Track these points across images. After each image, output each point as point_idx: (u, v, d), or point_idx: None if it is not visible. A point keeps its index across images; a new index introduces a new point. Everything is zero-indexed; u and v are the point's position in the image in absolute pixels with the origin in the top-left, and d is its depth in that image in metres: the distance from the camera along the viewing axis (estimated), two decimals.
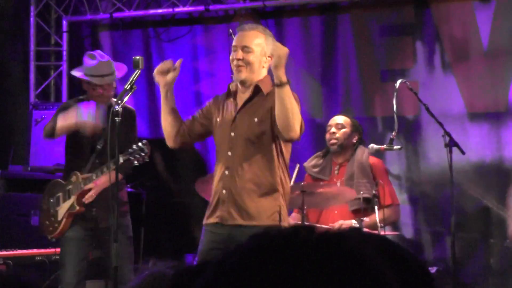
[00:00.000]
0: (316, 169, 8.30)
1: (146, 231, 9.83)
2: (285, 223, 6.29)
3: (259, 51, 6.26)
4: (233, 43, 6.33)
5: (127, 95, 6.80)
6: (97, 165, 7.50)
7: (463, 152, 7.72)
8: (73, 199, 7.56)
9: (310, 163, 8.40)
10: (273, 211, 6.25)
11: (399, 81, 7.70)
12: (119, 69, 7.83)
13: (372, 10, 9.99)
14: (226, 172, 6.33)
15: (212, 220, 6.38)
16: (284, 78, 6.00)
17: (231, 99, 6.44)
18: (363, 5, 9.89)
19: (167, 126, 6.66)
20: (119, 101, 6.74)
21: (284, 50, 6.00)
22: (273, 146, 6.27)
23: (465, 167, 8.79)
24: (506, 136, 9.06)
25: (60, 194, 7.67)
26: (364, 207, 7.82)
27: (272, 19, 10.49)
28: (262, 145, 6.26)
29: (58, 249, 7.90)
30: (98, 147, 7.59)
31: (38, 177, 9.97)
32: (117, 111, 6.66)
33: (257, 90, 6.33)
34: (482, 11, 9.45)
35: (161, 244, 9.22)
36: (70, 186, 7.60)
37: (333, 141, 8.22)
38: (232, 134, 6.35)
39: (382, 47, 9.95)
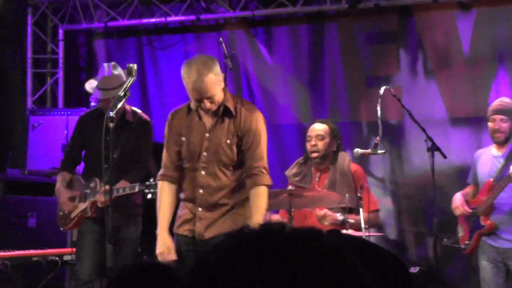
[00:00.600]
0: (297, 178, 8.26)
1: (142, 233, 9.82)
2: None
3: (217, 88, 6.23)
4: (192, 97, 6.29)
5: (121, 102, 6.80)
6: (114, 175, 7.55)
7: (444, 156, 7.74)
8: (88, 203, 7.76)
9: (291, 171, 8.36)
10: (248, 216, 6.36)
11: (383, 88, 7.71)
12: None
13: (357, 19, 10.00)
14: (201, 191, 6.38)
15: (185, 232, 6.47)
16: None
17: (197, 119, 6.45)
18: (349, 14, 9.90)
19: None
20: (114, 108, 6.74)
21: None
22: (241, 163, 6.36)
23: (447, 171, 8.81)
24: (486, 140, 9.03)
25: (77, 193, 7.87)
26: (348, 220, 7.81)
27: (261, 28, 10.49)
28: (233, 164, 6.35)
29: (53, 250, 7.96)
30: (114, 155, 7.60)
31: (35, 180, 9.97)
32: (112, 116, 6.65)
33: (226, 110, 6.35)
34: (463, 20, 9.46)
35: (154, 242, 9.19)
36: (87, 190, 7.80)
37: (315, 154, 8.14)
38: (205, 153, 6.38)
39: (367, 54, 9.96)
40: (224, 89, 6.40)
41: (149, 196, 7.31)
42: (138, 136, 7.92)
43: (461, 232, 7.80)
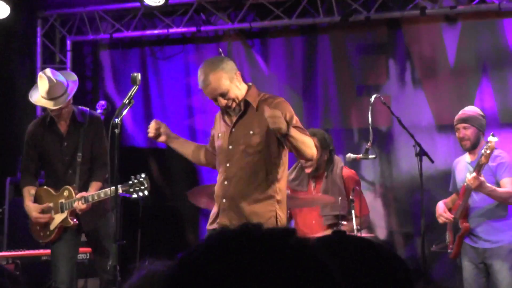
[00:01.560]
0: (296, 182, 8.24)
1: (142, 233, 9.77)
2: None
3: (229, 84, 6.14)
4: (209, 97, 6.23)
5: (125, 109, 6.75)
6: (80, 178, 7.49)
7: (432, 161, 7.71)
8: (66, 213, 7.49)
9: (289, 177, 8.31)
10: (269, 216, 6.17)
11: (373, 96, 7.68)
12: (72, 85, 7.51)
13: (349, 31, 9.99)
14: (225, 182, 6.29)
15: (214, 226, 6.35)
16: (284, 131, 5.94)
17: (225, 115, 6.38)
18: (341, 26, 9.89)
19: (193, 161, 6.83)
20: (118, 114, 6.71)
21: (279, 125, 5.91)
22: (269, 156, 6.22)
23: (434, 174, 8.81)
24: None
25: (51, 204, 7.59)
26: (337, 222, 7.79)
27: (257, 39, 10.48)
28: (257, 156, 6.20)
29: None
30: (78, 159, 7.53)
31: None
32: (117, 123, 6.62)
33: (247, 104, 6.28)
34: (449, 32, 9.47)
35: (156, 245, 9.18)
36: (62, 200, 7.53)
37: (308, 169, 8.11)
38: (230, 147, 6.30)
39: (358, 65, 9.96)
40: (248, 85, 6.33)
41: (135, 195, 7.19)
42: (94, 134, 7.66)
43: (448, 237, 7.82)
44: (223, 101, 6.17)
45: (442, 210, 7.72)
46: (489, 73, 9.26)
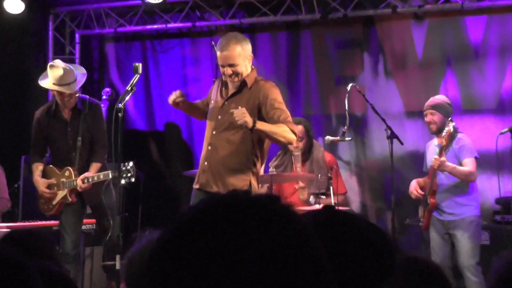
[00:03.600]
0: (280, 169, 8.25)
1: (143, 207, 9.78)
2: None
3: (242, 60, 6.14)
4: (219, 62, 6.18)
5: (128, 95, 6.73)
6: (80, 160, 7.48)
7: (401, 143, 7.71)
8: (66, 191, 7.52)
9: (273, 163, 8.31)
10: (243, 184, 6.16)
11: (350, 85, 7.69)
12: (80, 76, 7.50)
13: (328, 27, 9.96)
14: (209, 148, 6.29)
15: (196, 186, 6.36)
16: (250, 125, 5.93)
17: (223, 88, 6.36)
18: (321, 23, 9.86)
19: (195, 117, 6.90)
20: (122, 100, 6.67)
21: (243, 120, 5.89)
22: (249, 140, 6.20)
23: (403, 155, 8.80)
24: None
25: (54, 182, 7.61)
26: (319, 198, 7.84)
27: (247, 34, 10.40)
28: (241, 130, 6.17)
29: None
30: (78, 143, 7.51)
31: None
32: (120, 108, 6.59)
33: (243, 83, 6.24)
34: (417, 29, 9.45)
35: (155, 217, 9.14)
36: (63, 179, 7.54)
37: (297, 153, 8.13)
38: (219, 117, 6.29)
39: (336, 57, 9.94)
40: (252, 68, 6.30)
41: (123, 181, 6.89)
42: (92, 120, 7.59)
43: (420, 212, 7.84)
44: (229, 71, 6.15)
45: (413, 187, 7.72)
46: (453, 65, 9.24)
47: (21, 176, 9.82)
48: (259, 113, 6.16)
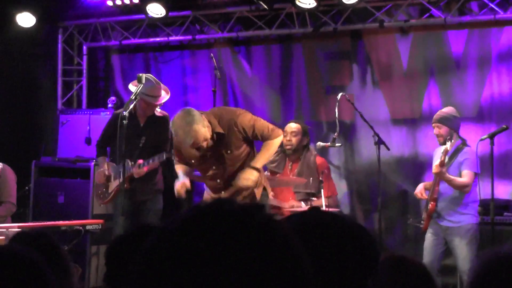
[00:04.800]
0: (273, 164, 8.25)
1: None
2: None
3: (202, 138, 6.05)
4: (190, 147, 6.17)
5: (132, 103, 6.73)
6: (141, 156, 7.66)
7: (388, 149, 7.70)
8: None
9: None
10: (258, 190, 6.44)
11: (340, 94, 7.69)
12: (166, 91, 7.88)
13: (318, 40, 9.95)
14: (218, 181, 6.38)
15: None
16: (257, 180, 6.19)
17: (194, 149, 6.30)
18: (312, 36, 9.85)
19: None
20: (126, 108, 6.67)
21: (249, 186, 6.06)
22: (246, 155, 6.24)
23: (389, 160, 8.78)
24: (420, 137, 9.08)
25: (112, 174, 7.87)
26: (308, 199, 7.87)
27: (243, 46, 10.44)
28: (239, 162, 6.25)
29: (77, 221, 7.93)
30: (142, 142, 7.63)
31: (63, 166, 9.91)
32: (124, 115, 6.58)
33: (218, 134, 6.20)
34: (402, 42, 9.45)
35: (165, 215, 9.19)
36: (121, 170, 7.55)
37: (289, 146, 8.16)
38: (214, 167, 6.30)
39: (326, 68, 9.93)
40: (206, 116, 6.18)
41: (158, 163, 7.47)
42: (159, 128, 7.86)
43: (423, 213, 7.76)
44: (204, 145, 6.09)
45: (419, 190, 7.60)
46: (436, 76, 9.24)
47: (32, 179, 9.84)
48: (245, 138, 6.23)
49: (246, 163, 6.31)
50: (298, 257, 1.32)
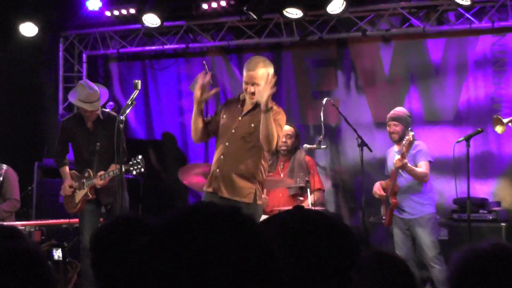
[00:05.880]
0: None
1: (142, 206, 9.81)
2: (259, 202, 6.24)
3: (263, 81, 6.04)
4: (245, 79, 6.11)
5: (129, 108, 6.72)
6: (100, 163, 7.53)
7: (370, 150, 7.73)
8: (87, 189, 7.60)
9: None
10: (249, 191, 6.16)
11: (325, 99, 7.71)
12: (103, 94, 7.72)
13: (306, 48, 9.97)
14: (222, 157, 6.25)
15: (209, 189, 6.29)
16: (269, 106, 5.90)
17: (239, 106, 6.29)
18: (300, 44, 9.86)
19: (197, 129, 6.35)
20: (123, 113, 6.66)
21: (264, 98, 5.86)
22: (259, 147, 6.17)
23: (372, 161, 8.79)
24: None
25: (76, 184, 7.69)
26: (300, 193, 7.91)
27: (235, 54, 10.44)
28: (252, 144, 6.16)
29: (77, 220, 7.94)
30: (97, 148, 7.56)
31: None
32: (122, 120, 6.58)
33: (257, 104, 6.19)
34: (384, 50, 9.48)
35: (154, 215, 9.13)
36: (83, 180, 7.63)
37: (284, 147, 8.24)
38: (233, 131, 6.24)
39: (313, 75, 9.94)
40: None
41: (134, 172, 7.24)
42: (111, 129, 7.62)
43: (382, 210, 7.95)
44: (252, 89, 6.10)
45: (377, 188, 7.83)
46: (416, 82, 9.27)
47: (34, 180, 9.83)
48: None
49: (249, 166, 6.24)
50: (269, 250, 1.36)
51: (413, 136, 7.51)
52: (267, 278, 1.32)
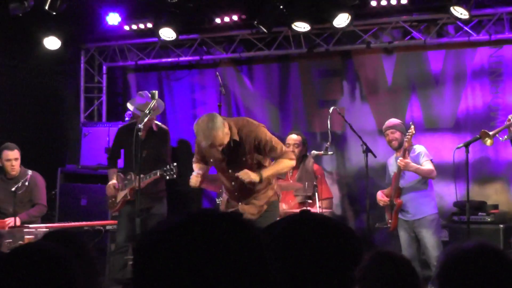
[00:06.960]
0: None
1: None
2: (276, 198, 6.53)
3: (223, 138, 6.06)
4: (208, 149, 6.21)
5: (146, 117, 6.75)
6: (144, 167, 7.54)
7: (375, 156, 7.73)
8: (127, 190, 7.70)
9: None
10: (266, 200, 6.40)
11: (331, 108, 7.72)
12: (160, 105, 7.82)
13: (313, 59, 9.97)
14: (233, 183, 6.34)
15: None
16: (258, 178, 6.03)
17: (215, 148, 6.25)
18: (307, 56, 9.87)
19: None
20: (141, 122, 6.69)
21: (250, 178, 6.02)
22: (259, 163, 6.22)
23: (376, 166, 8.76)
24: None
25: (120, 185, 7.81)
26: (307, 200, 7.92)
27: (245, 65, 10.46)
28: (250, 162, 6.22)
29: (98, 222, 7.99)
30: (143, 155, 7.63)
31: (85, 172, 9.95)
32: (139, 128, 6.61)
33: (235, 142, 6.19)
34: (387, 60, 9.48)
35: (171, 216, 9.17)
36: (126, 181, 7.75)
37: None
38: (230, 171, 6.29)
39: (319, 84, 9.95)
40: (228, 123, 6.17)
41: (167, 178, 7.30)
42: (159, 140, 7.84)
43: (387, 216, 7.90)
44: (219, 149, 6.11)
45: (380, 196, 7.85)
46: (417, 91, 9.26)
47: (58, 184, 9.87)
48: (258, 150, 6.18)
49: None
50: (263, 251, 1.39)
51: (414, 128, 7.49)
52: (256, 279, 1.36)
